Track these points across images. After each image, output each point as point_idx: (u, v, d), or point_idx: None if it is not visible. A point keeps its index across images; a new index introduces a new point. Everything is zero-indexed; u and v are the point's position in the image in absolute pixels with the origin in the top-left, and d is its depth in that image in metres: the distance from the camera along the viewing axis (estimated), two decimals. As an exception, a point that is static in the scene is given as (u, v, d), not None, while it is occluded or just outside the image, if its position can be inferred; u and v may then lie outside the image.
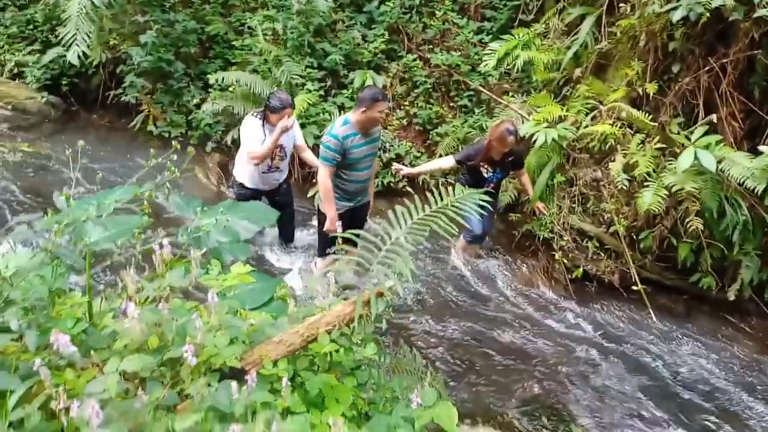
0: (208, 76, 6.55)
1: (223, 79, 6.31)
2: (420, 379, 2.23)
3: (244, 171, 4.85)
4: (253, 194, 4.81)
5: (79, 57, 5.94)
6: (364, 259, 2.05)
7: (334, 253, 4.32)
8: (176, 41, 6.85)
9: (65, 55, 6.39)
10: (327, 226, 4.40)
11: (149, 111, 6.94)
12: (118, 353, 1.68)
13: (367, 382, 2.29)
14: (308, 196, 6.21)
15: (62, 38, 6.15)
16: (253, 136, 4.60)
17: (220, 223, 2.24)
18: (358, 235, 2.17)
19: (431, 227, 1.90)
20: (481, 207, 2.20)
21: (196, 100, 6.81)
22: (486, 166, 4.99)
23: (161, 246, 1.67)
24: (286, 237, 5.40)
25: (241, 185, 4.89)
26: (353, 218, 4.60)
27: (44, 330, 1.64)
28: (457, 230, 2.07)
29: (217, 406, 1.45)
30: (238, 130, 5.11)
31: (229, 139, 6.57)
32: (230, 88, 6.45)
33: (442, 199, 1.97)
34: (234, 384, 1.49)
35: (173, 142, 1.93)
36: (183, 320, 1.59)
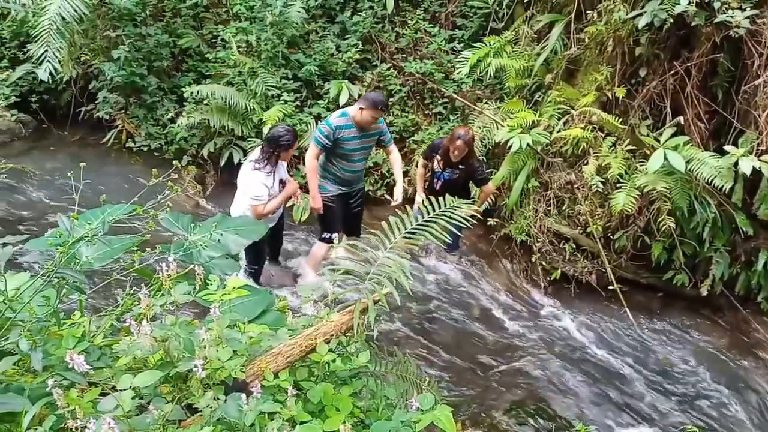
0: (182, 89, 6.52)
1: (198, 92, 6.26)
2: (416, 384, 2.27)
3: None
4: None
5: (50, 73, 5.86)
6: (358, 268, 2.09)
7: (330, 240, 4.59)
8: (149, 55, 6.80)
9: (34, 72, 6.30)
10: (312, 204, 4.66)
11: (123, 126, 6.88)
12: (120, 370, 1.70)
13: (362, 391, 2.33)
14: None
15: (32, 55, 6.07)
16: (261, 192, 4.22)
17: (214, 238, 2.26)
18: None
19: (425, 236, 1.95)
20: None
21: (170, 114, 6.76)
22: (440, 160, 5.00)
23: (167, 263, 1.69)
24: (275, 255, 5.24)
25: None
26: (348, 203, 4.90)
27: (46, 351, 1.65)
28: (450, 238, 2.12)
29: (229, 417, 1.48)
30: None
31: (205, 152, 6.54)
32: (205, 101, 6.42)
33: (433, 209, 2.03)
34: (243, 396, 1.52)
35: (174, 162, 1.95)
36: (188, 334, 1.61)
